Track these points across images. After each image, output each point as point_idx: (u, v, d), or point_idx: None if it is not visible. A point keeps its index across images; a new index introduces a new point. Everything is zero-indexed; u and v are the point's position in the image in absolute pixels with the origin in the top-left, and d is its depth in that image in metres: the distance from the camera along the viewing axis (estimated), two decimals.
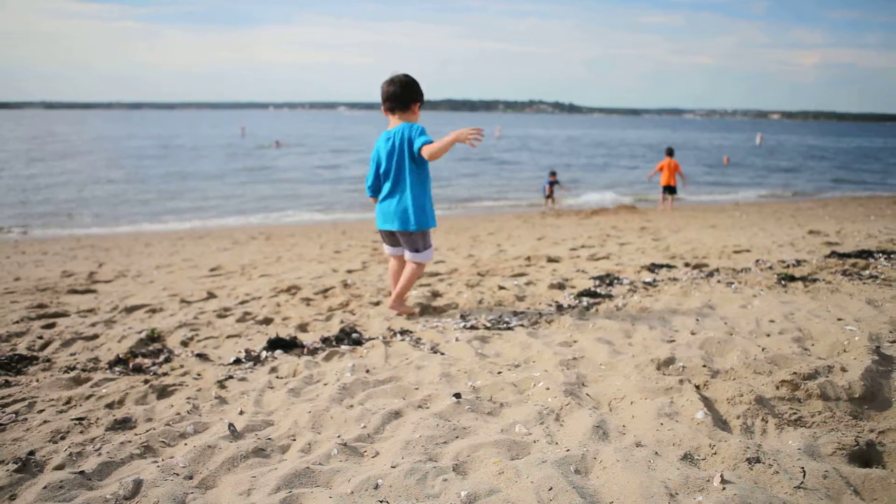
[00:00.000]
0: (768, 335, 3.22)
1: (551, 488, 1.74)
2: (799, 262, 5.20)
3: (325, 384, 2.80)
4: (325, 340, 3.46)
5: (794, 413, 2.27)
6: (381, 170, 3.82)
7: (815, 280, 4.44)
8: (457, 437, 2.16)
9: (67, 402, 2.66)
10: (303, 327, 3.89)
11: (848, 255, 5.39)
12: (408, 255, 3.92)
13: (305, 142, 45.20)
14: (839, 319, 3.39)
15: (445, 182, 20.84)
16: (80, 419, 2.44)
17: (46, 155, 30.36)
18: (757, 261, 5.44)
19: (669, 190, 13.02)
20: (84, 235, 11.49)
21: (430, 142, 3.55)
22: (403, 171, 3.72)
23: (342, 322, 3.91)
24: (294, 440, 2.25)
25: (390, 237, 3.98)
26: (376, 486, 1.86)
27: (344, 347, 3.33)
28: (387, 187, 3.81)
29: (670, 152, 13.03)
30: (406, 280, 3.96)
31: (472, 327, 3.64)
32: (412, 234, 3.82)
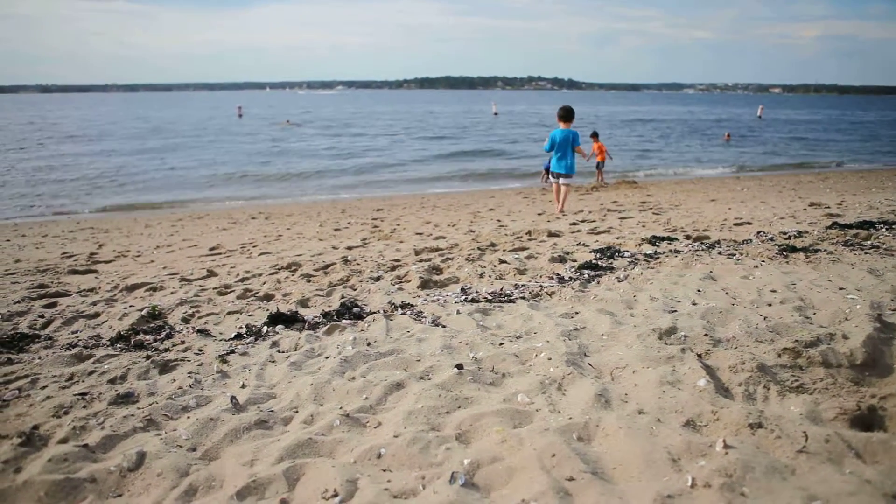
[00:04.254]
0: (770, 305, 3.21)
1: (554, 455, 1.75)
2: (800, 234, 5.18)
3: (327, 357, 2.80)
4: (326, 315, 3.46)
5: (796, 380, 2.27)
6: (557, 146, 8.10)
7: (816, 251, 4.42)
8: (459, 407, 2.16)
9: (70, 378, 2.67)
10: (304, 303, 3.89)
11: (849, 226, 5.37)
12: (564, 181, 8.33)
13: (311, 121, 44.89)
14: (841, 289, 3.38)
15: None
16: (83, 394, 2.45)
17: (61, 138, 30.27)
18: (758, 232, 5.43)
19: (599, 165, 15.20)
20: (83, 219, 11.47)
21: (580, 146, 8.31)
22: (568, 149, 8.13)
23: (343, 297, 3.91)
24: (296, 412, 2.25)
25: (558, 176, 8.29)
26: (379, 456, 1.87)
27: (345, 321, 3.32)
28: (560, 154, 8.12)
29: (595, 135, 15.41)
30: (566, 196, 8.47)
31: (474, 300, 3.64)
32: (570, 175, 8.29)
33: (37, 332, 3.43)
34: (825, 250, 4.42)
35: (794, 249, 4.45)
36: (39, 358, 2.95)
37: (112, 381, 2.64)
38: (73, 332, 3.46)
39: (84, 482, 1.81)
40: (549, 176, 8.60)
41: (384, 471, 1.80)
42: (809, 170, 18.59)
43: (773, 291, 3.45)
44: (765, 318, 2.90)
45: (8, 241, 8.25)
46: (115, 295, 4.34)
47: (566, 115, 8.13)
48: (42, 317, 3.76)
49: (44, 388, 2.58)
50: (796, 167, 19.62)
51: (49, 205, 13.18)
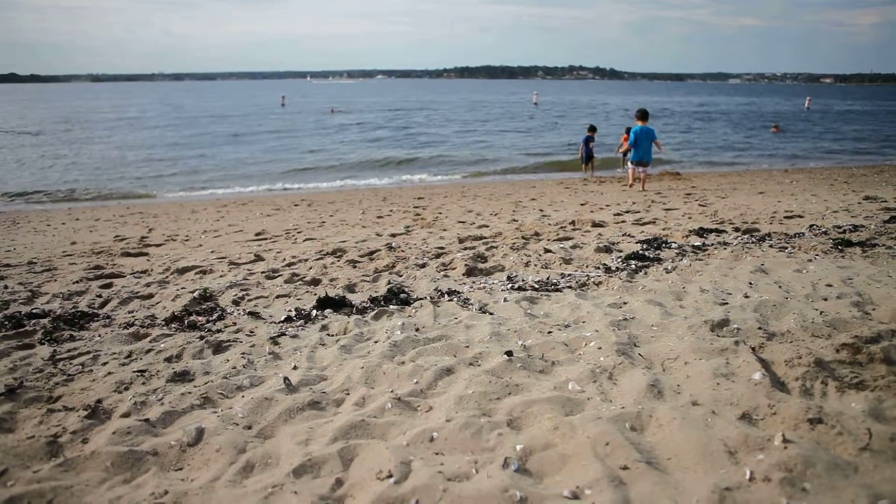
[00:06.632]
0: (825, 299, 3.12)
1: (608, 443, 1.74)
2: (856, 228, 5.03)
3: (376, 342, 2.83)
4: (373, 300, 3.49)
5: (856, 376, 2.21)
6: (639, 141, 10.09)
7: (874, 245, 4.28)
8: (510, 394, 2.16)
9: (128, 356, 2.76)
10: (350, 288, 3.94)
11: None
12: (644, 169, 10.51)
13: (355, 109, 45.13)
14: None
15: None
16: (142, 371, 2.53)
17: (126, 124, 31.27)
18: (811, 226, 5.28)
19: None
20: (132, 203, 11.79)
21: (657, 139, 10.43)
22: (649, 143, 10.18)
23: (389, 283, 3.94)
24: (348, 394, 2.29)
25: (641, 164, 10.38)
26: (431, 439, 1.88)
27: (392, 307, 3.35)
28: (643, 147, 10.16)
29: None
30: (645, 179, 10.62)
31: (520, 288, 3.63)
32: (649, 163, 10.59)
33: (95, 310, 3.55)
34: (884, 245, 4.28)
35: (849, 244, 4.32)
36: (99, 336, 3.06)
37: (168, 360, 2.72)
38: (129, 312, 3.57)
39: (147, 455, 1.88)
40: (629, 163, 10.66)
41: (437, 454, 1.81)
42: (863, 163, 17.93)
43: (829, 286, 3.36)
44: (821, 313, 2.83)
45: (63, 224, 8.54)
46: (167, 277, 4.46)
47: (643, 115, 10.48)
48: (99, 296, 3.88)
49: (105, 364, 2.67)
50: (848, 160, 18.93)
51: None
